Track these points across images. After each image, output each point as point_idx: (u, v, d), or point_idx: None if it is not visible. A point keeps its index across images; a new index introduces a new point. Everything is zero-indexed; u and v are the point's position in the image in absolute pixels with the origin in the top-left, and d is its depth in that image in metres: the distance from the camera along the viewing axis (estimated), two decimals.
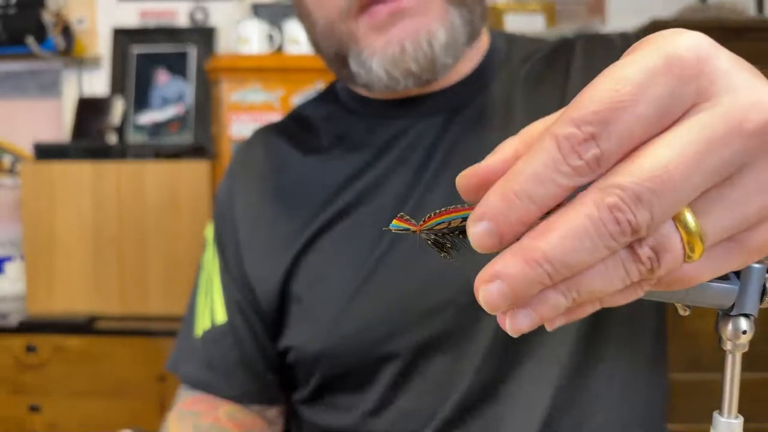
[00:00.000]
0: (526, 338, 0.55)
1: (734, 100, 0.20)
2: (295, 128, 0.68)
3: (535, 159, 0.20)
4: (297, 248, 0.60)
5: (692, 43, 0.20)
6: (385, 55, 0.54)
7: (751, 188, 0.21)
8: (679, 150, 0.19)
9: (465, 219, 0.25)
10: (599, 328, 0.55)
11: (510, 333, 0.22)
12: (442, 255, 0.27)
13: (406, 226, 0.27)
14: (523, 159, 0.21)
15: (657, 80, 0.20)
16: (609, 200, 0.19)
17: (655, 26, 1.78)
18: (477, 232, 0.21)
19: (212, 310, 0.65)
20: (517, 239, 0.21)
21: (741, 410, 0.26)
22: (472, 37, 0.59)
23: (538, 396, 0.54)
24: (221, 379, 0.64)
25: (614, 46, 0.62)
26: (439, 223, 0.26)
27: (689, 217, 0.20)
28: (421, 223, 0.26)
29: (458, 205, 0.25)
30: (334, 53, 0.59)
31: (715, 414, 0.27)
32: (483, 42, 0.64)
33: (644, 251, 0.20)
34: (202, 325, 0.65)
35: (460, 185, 0.23)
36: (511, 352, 0.55)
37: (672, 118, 0.20)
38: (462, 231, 0.26)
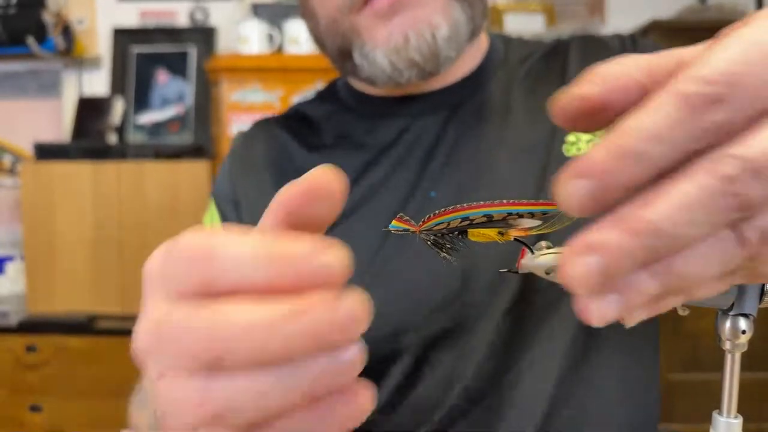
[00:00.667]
0: (527, 331, 0.55)
1: None
2: (296, 124, 0.68)
3: (655, 116, 0.18)
4: None
5: None
6: (388, 46, 0.55)
7: None
8: None
9: (464, 219, 0.25)
10: None
11: (593, 322, 0.20)
12: (441, 256, 0.27)
13: (406, 226, 0.27)
14: (638, 115, 0.19)
15: None
16: (725, 170, 0.18)
17: (655, 26, 1.78)
18: (575, 191, 0.19)
19: None
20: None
21: (741, 410, 0.26)
22: (474, 33, 0.59)
23: (540, 387, 0.55)
24: None
25: (609, 47, 0.63)
26: (438, 224, 0.26)
27: None
28: (421, 223, 0.26)
29: (457, 205, 0.25)
30: (338, 49, 0.59)
31: (715, 414, 0.27)
32: (482, 42, 0.65)
33: (752, 234, 0.19)
34: None
35: (564, 105, 0.21)
36: (513, 345, 0.55)
37: None
38: (461, 231, 0.26)
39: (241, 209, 0.64)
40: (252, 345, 0.20)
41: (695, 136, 0.18)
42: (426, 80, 0.59)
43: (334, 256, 0.20)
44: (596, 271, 0.18)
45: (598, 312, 0.20)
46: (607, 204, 0.19)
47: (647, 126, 0.18)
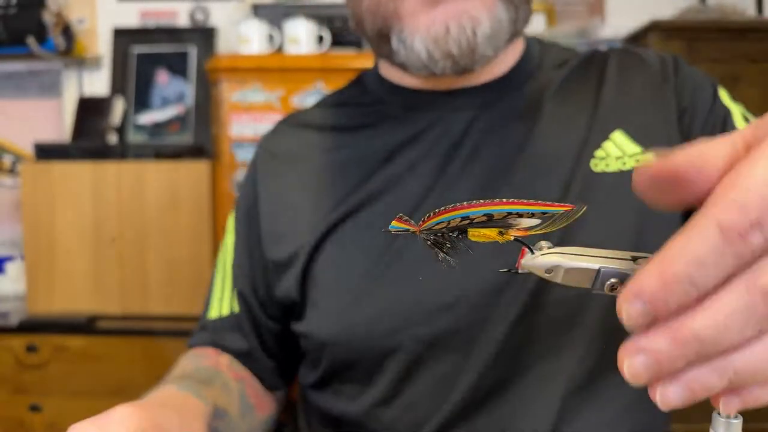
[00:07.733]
0: (538, 343, 0.54)
1: None
2: (321, 118, 0.69)
3: (698, 243, 0.20)
4: (319, 233, 0.60)
5: None
6: (428, 34, 0.55)
7: None
8: None
9: (464, 218, 0.25)
10: (612, 338, 0.54)
11: (660, 407, 0.22)
12: (441, 257, 0.27)
13: (406, 227, 0.27)
14: (682, 240, 0.20)
15: None
16: (762, 281, 0.19)
17: (655, 26, 1.78)
18: (631, 311, 0.21)
19: (221, 298, 0.67)
20: None
21: (740, 410, 0.26)
22: (514, 36, 0.59)
23: (547, 401, 0.54)
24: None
25: (649, 65, 0.62)
26: (438, 223, 0.26)
27: None
28: (421, 222, 0.26)
29: (456, 204, 0.25)
30: (377, 31, 0.59)
31: (715, 414, 0.27)
32: (519, 44, 0.64)
33: None
34: (216, 310, 0.68)
35: (643, 174, 0.22)
36: (522, 356, 0.55)
37: None
38: (461, 230, 0.26)
39: (258, 205, 0.65)
40: None
41: (735, 261, 0.20)
42: (459, 75, 0.59)
43: None
44: (644, 370, 0.21)
45: (660, 398, 0.22)
46: (660, 319, 0.21)
47: (689, 252, 0.20)
